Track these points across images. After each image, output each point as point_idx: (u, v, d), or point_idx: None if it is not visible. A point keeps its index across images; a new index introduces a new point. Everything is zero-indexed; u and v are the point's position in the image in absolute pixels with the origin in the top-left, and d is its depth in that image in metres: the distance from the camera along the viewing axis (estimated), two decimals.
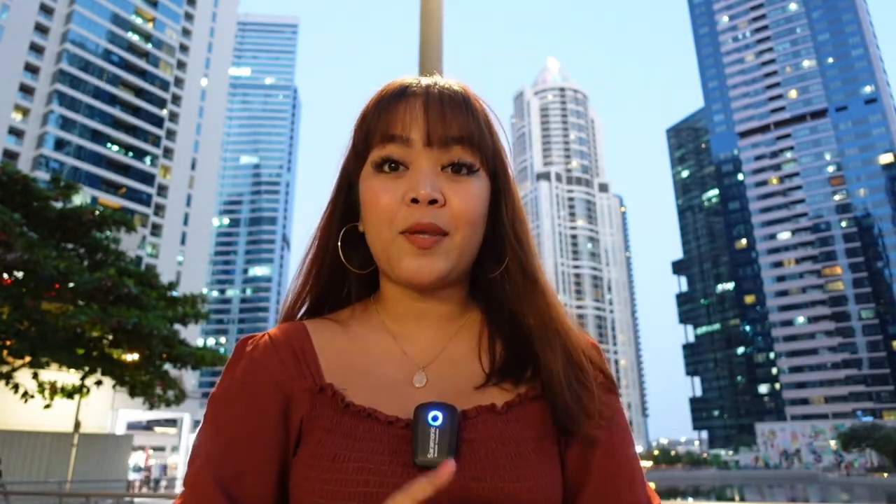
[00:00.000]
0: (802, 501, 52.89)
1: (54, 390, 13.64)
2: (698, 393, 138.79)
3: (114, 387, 14.93)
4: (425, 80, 0.75)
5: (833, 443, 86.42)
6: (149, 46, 69.30)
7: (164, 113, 69.36)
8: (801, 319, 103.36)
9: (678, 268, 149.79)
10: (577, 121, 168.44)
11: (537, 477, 0.65)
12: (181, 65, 73.14)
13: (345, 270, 0.80)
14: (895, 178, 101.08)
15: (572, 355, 0.72)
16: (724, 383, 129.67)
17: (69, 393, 13.82)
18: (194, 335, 53.50)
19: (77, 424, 16.08)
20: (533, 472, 0.65)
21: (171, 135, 70.24)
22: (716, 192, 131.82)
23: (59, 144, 59.82)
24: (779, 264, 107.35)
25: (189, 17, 75.18)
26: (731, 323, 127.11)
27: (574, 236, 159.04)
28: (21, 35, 59.26)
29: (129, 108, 66.66)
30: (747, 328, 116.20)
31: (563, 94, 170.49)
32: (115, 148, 64.76)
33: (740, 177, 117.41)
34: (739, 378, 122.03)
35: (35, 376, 13.54)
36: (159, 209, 67.50)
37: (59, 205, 14.70)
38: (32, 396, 13.42)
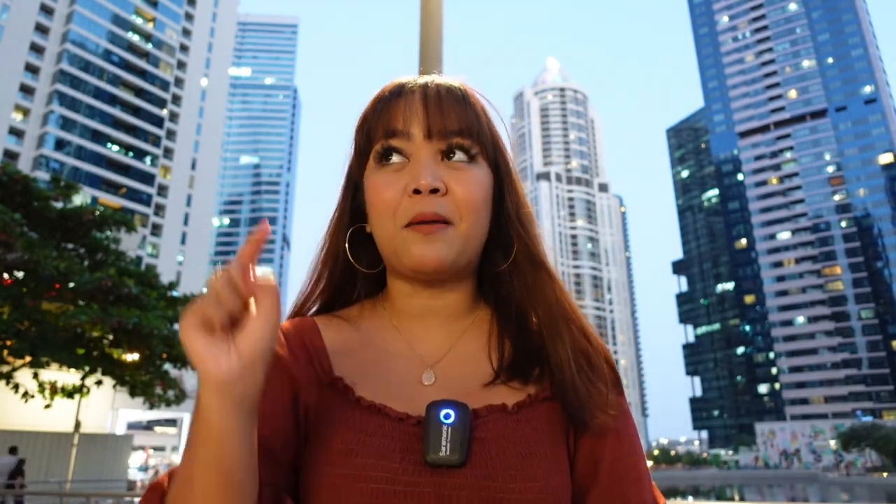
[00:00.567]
0: (802, 501, 52.72)
1: (54, 390, 13.66)
2: (698, 393, 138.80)
3: (114, 387, 14.95)
4: (422, 78, 0.77)
5: (833, 443, 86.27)
6: (149, 46, 69.27)
7: (165, 113, 69.33)
8: (800, 319, 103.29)
9: (678, 268, 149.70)
10: (576, 121, 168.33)
11: (547, 477, 0.65)
12: (181, 65, 73.11)
13: (354, 271, 0.80)
14: (895, 178, 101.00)
15: (581, 344, 0.73)
16: (723, 383, 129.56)
17: (69, 393, 13.84)
18: None
19: (77, 424, 16.09)
20: (543, 473, 0.65)
21: (171, 135, 70.22)
22: (716, 192, 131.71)
23: (60, 144, 59.78)
24: (779, 264, 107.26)
25: (189, 17, 75.13)
26: (730, 323, 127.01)
27: (574, 236, 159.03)
28: (21, 35, 59.24)
29: (130, 108, 66.63)
30: (747, 328, 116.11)
31: (562, 94, 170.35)
32: (116, 148, 64.73)
33: (740, 177, 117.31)
34: (739, 378, 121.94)
35: (35, 376, 13.53)
36: (159, 209, 67.49)
37: (59, 205, 14.72)
38: (33, 396, 13.43)
